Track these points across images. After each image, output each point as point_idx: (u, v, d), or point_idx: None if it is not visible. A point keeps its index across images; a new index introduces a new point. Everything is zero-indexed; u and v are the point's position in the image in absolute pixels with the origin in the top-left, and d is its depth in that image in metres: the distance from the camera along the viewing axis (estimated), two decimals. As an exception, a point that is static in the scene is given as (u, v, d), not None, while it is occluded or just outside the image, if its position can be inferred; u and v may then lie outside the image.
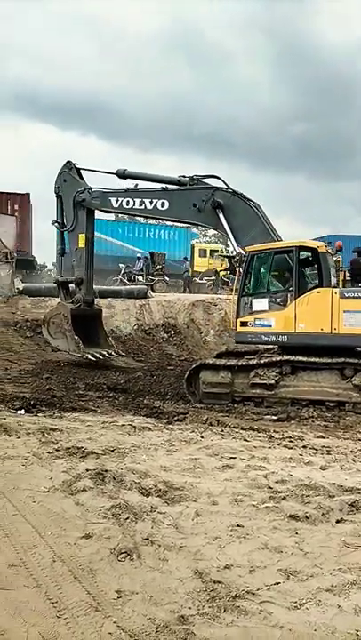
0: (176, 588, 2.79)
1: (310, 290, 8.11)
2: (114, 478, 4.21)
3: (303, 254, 8.34)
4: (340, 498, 4.11)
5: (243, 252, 8.87)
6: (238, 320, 8.51)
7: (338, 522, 3.73)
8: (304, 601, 2.65)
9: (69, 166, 10.76)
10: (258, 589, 2.80)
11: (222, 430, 6.46)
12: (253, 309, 8.38)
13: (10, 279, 14.90)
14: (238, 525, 3.59)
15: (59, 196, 10.78)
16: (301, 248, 8.28)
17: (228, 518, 3.70)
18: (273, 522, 3.68)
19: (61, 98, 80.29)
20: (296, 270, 8.17)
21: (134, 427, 6.17)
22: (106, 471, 4.32)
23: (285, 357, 8.11)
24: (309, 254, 8.37)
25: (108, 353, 10.70)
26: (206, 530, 3.52)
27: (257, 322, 8.32)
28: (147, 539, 3.29)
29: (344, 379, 7.79)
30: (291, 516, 3.76)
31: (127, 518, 3.53)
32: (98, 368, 11.04)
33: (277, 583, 2.87)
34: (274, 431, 6.52)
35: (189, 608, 2.60)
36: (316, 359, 7.87)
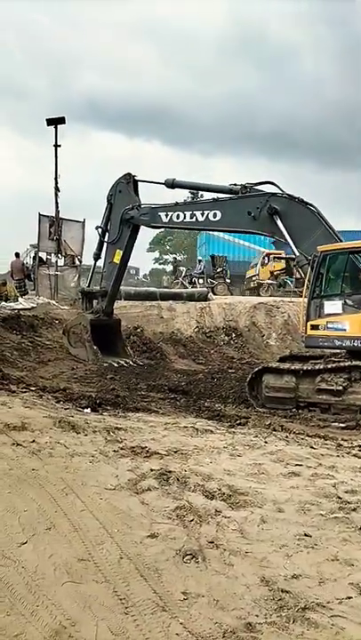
0: (242, 594, 2.74)
1: None
2: (178, 479, 4.21)
3: None
4: None
5: (303, 255, 8.66)
6: (309, 323, 8.17)
7: None
8: (379, 619, 2.50)
9: (127, 179, 10.81)
10: (328, 602, 2.68)
11: (287, 436, 6.29)
12: (326, 312, 8.03)
13: (76, 283, 15.45)
14: (306, 535, 3.46)
15: (110, 204, 10.89)
16: None
17: (295, 527, 3.58)
18: (343, 533, 3.52)
19: (128, 106, 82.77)
20: None
21: (196, 429, 6.16)
22: (170, 472, 4.34)
23: (355, 362, 7.78)
24: None
25: (125, 362, 10.81)
26: (272, 537, 3.43)
27: (329, 325, 7.95)
28: (212, 542, 3.26)
29: None
30: (362, 528, 3.58)
31: (192, 520, 3.52)
32: (159, 370, 11.18)
33: (349, 598, 2.74)
34: (342, 439, 6.26)
35: (256, 616, 2.53)
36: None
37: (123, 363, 10.77)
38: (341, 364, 7.92)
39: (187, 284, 18.82)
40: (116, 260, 10.78)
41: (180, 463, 4.66)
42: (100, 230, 11.12)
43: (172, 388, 9.25)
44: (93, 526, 3.37)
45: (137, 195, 10.81)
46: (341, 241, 8.56)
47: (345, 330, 7.83)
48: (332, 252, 8.26)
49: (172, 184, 10.36)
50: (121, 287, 16.59)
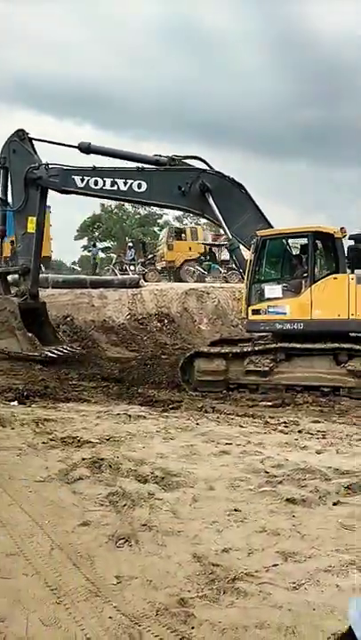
0: (175, 572, 2.79)
1: (326, 276, 7.97)
2: (110, 466, 4.20)
3: (319, 239, 8.09)
4: (336, 481, 4.14)
5: (236, 238, 8.77)
6: (250, 308, 8.28)
7: (335, 504, 3.74)
8: (303, 581, 2.66)
9: (21, 136, 9.34)
10: (256, 571, 2.81)
11: (218, 417, 6.47)
12: (266, 296, 8.18)
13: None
14: (236, 510, 3.59)
15: (3, 168, 9.39)
16: (317, 233, 8.06)
17: (225, 503, 3.71)
18: (270, 505, 3.69)
19: (58, 87, 78.93)
20: (311, 256, 7.99)
21: (129, 415, 6.16)
22: (102, 459, 4.31)
23: (280, 344, 8.12)
24: (325, 240, 8.12)
25: (64, 349, 9.85)
26: (204, 515, 3.53)
27: (270, 309, 8.12)
28: (145, 525, 3.29)
29: (338, 364, 7.82)
30: (288, 499, 3.77)
31: (124, 505, 3.53)
32: (91, 358, 11.00)
33: (276, 565, 2.88)
34: (269, 417, 6.54)
35: (189, 591, 2.60)
36: (310, 345, 7.88)
37: (65, 350, 9.84)
38: (268, 346, 8.26)
39: (117, 271, 18.62)
40: (31, 229, 9.31)
41: (112, 450, 4.64)
42: None
43: (104, 377, 9.17)
44: (22, 520, 3.27)
45: (36, 154, 9.49)
46: (271, 225, 8.79)
47: (285, 313, 8.04)
48: (271, 237, 8.40)
49: (87, 148, 9.17)
50: (49, 275, 16.00)
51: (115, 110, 74.70)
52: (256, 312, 8.24)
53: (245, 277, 8.41)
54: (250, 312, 8.29)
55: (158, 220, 39.04)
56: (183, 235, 22.47)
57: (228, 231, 8.76)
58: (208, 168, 9.00)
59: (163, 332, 13.83)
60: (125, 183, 8.84)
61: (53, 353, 9.49)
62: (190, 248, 22.42)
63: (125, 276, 17.03)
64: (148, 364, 10.78)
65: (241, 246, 8.95)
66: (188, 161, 9.17)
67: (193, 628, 2.27)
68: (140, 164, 9.02)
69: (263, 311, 8.18)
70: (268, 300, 8.15)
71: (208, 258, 23.16)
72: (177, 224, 38.84)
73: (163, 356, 11.73)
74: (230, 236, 8.76)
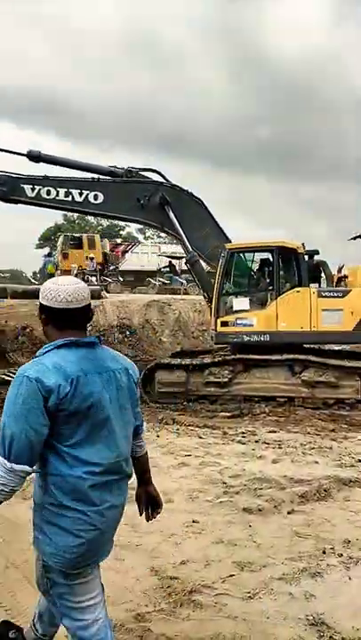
0: (133, 586, 2.80)
1: (290, 289, 8.18)
2: (68, 481, 4.15)
3: (282, 254, 8.26)
4: (290, 490, 4.26)
5: (195, 251, 8.89)
6: (218, 320, 8.32)
7: (289, 513, 3.86)
8: (257, 590, 2.73)
9: None
10: (213, 582, 2.86)
11: (178, 429, 6.51)
12: (234, 309, 8.28)
13: None
14: (194, 521, 3.64)
15: None
16: (281, 248, 8.26)
17: (183, 515, 3.74)
18: (227, 516, 3.76)
19: (19, 96, 77.68)
20: (276, 270, 8.20)
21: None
22: (60, 474, 4.25)
23: (238, 356, 8.28)
24: (288, 254, 8.29)
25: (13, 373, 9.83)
26: (162, 527, 3.54)
27: (238, 321, 8.21)
28: (102, 540, 3.28)
29: (293, 374, 8.06)
30: (244, 509, 3.86)
31: (82, 520, 3.50)
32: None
33: (232, 575, 2.95)
34: (228, 427, 6.64)
35: (146, 606, 2.62)
36: (268, 357, 8.08)
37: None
38: (227, 357, 8.40)
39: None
40: None
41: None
42: None
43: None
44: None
45: None
46: (229, 239, 8.96)
47: (252, 325, 8.18)
48: (238, 250, 8.55)
49: (37, 156, 8.65)
50: (7, 285, 15.65)
51: (77, 122, 74.50)
52: (224, 324, 8.37)
53: (213, 289, 8.51)
54: (218, 324, 8.39)
55: (121, 232, 39.05)
56: (79, 243, 21.57)
57: (187, 244, 8.84)
58: (165, 181, 9.02)
59: (124, 344, 13.78)
60: (81, 194, 8.52)
61: (7, 375, 9.23)
62: (87, 257, 21.41)
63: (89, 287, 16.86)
64: (108, 375, 10.69)
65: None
66: (145, 173, 9.11)
67: (149, 642, 2.29)
68: (95, 175, 8.79)
69: (231, 323, 8.31)
70: (236, 312, 8.31)
71: (169, 269, 23.33)
72: (140, 236, 38.98)
73: (124, 368, 11.68)
74: (190, 249, 8.84)
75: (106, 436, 1.73)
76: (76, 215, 41.09)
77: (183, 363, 8.58)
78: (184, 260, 10.41)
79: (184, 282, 20.44)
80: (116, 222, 41.56)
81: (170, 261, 23.67)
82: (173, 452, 5.28)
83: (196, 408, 8.11)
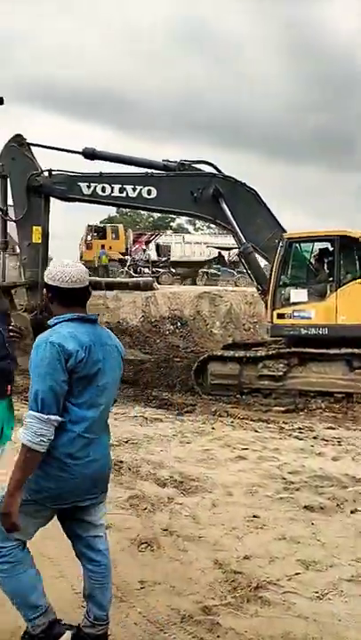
0: (198, 578, 2.81)
1: (351, 281, 7.85)
2: (129, 469, 4.24)
3: (343, 244, 7.91)
4: (353, 488, 4.14)
5: (249, 243, 8.72)
6: (275, 312, 8.12)
7: (352, 512, 3.74)
8: (326, 591, 2.67)
9: (19, 141, 8.66)
10: (278, 580, 2.82)
11: (232, 422, 6.48)
12: (292, 300, 8.05)
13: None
14: (255, 516, 3.61)
15: (2, 176, 8.74)
16: (343, 237, 7.94)
17: (244, 509, 3.72)
18: (289, 512, 3.70)
19: (74, 89, 79.24)
20: (337, 260, 7.90)
21: (146, 418, 6.20)
22: (121, 462, 4.34)
23: (294, 349, 8.10)
24: (349, 244, 7.95)
25: None
26: (223, 521, 3.54)
27: (295, 314, 7.98)
28: (165, 529, 3.32)
29: (351, 370, 7.78)
30: (306, 506, 3.78)
31: (145, 509, 3.56)
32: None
33: (297, 574, 2.89)
34: (283, 422, 6.54)
35: (212, 598, 2.62)
36: (325, 350, 7.85)
37: None
38: (282, 350, 8.24)
39: (133, 273, 18.67)
40: (36, 239, 8.67)
41: (131, 453, 4.68)
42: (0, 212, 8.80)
43: (119, 379, 9.18)
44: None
45: (36, 161, 8.90)
46: (284, 230, 8.75)
47: (310, 318, 7.91)
48: (297, 240, 8.28)
49: (92, 154, 8.70)
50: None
51: (130, 113, 74.94)
52: (281, 316, 8.15)
53: (268, 281, 8.32)
54: (275, 316, 8.18)
55: (171, 223, 39.17)
56: (103, 233, 21.43)
57: (241, 236, 8.70)
58: (218, 173, 8.84)
59: (175, 335, 13.88)
60: (134, 189, 8.52)
61: None
62: (111, 247, 21.37)
63: (140, 279, 17.09)
64: (161, 366, 10.82)
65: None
66: (197, 166, 8.97)
67: (218, 636, 2.29)
68: (148, 170, 8.78)
69: (288, 315, 8.08)
70: (294, 304, 8.07)
71: (217, 261, 23.16)
72: (190, 227, 38.91)
73: (176, 359, 11.76)
74: (243, 241, 8.70)
75: (101, 399, 2.00)
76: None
77: (236, 355, 8.50)
78: (236, 252, 10.21)
79: (235, 273, 20.23)
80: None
81: (219, 252, 23.49)
82: (230, 444, 5.26)
83: (250, 401, 8.03)
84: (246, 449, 5.13)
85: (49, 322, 2.05)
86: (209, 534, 3.33)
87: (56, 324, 2.00)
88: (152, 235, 25.63)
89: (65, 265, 2.04)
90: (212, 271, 21.84)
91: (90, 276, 2.26)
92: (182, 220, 38.97)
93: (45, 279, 2.07)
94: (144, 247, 19.52)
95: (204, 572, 2.88)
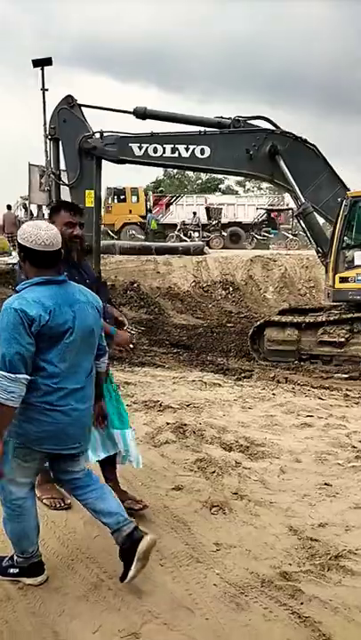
0: (273, 543, 2.74)
1: None
2: (194, 432, 4.20)
3: None
4: None
5: (309, 202, 8.26)
6: (337, 276, 7.76)
7: None
8: None
9: (70, 102, 8.42)
10: (358, 549, 2.70)
11: (293, 388, 6.30)
12: (356, 263, 7.63)
13: None
14: (326, 484, 3.48)
15: (54, 139, 8.56)
16: None
17: (314, 477, 3.60)
18: (362, 481, 3.54)
19: (120, 50, 77.24)
20: None
21: (204, 382, 6.14)
22: (185, 425, 4.31)
23: (357, 314, 7.74)
24: None
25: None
26: (294, 487, 3.44)
27: (359, 277, 7.60)
28: (236, 493, 3.26)
29: None
30: (380, 476, 3.61)
31: (213, 472, 3.51)
32: (158, 325, 11.09)
33: (378, 544, 2.76)
34: (347, 390, 6.29)
35: (290, 564, 2.54)
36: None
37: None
38: (343, 315, 7.88)
39: (183, 237, 18.43)
40: (89, 203, 8.47)
41: (193, 416, 4.63)
42: (52, 176, 8.70)
43: (173, 343, 9.20)
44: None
45: (88, 122, 8.60)
46: (347, 188, 8.21)
47: None
48: None
49: (143, 113, 8.42)
50: (115, 242, 16.08)
51: (178, 71, 72.34)
52: (344, 280, 7.73)
53: (328, 243, 7.90)
54: (337, 280, 7.76)
55: (220, 186, 38.18)
56: (123, 196, 20.77)
57: (300, 195, 8.22)
58: (275, 128, 8.31)
59: (227, 300, 13.68)
60: (187, 149, 8.18)
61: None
62: (130, 210, 20.76)
63: (190, 243, 16.85)
64: (214, 331, 10.72)
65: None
66: (253, 122, 8.43)
67: (302, 603, 2.22)
68: (201, 128, 8.38)
69: (352, 279, 7.66)
70: (358, 267, 7.62)
71: (267, 223, 22.35)
72: (240, 189, 37.78)
73: (228, 325, 11.62)
74: (303, 201, 8.22)
75: (74, 355, 2.14)
76: (175, 170, 40.85)
77: (295, 320, 8.23)
78: (294, 212, 9.69)
79: (289, 235, 19.48)
80: (214, 176, 40.75)
81: (268, 214, 22.63)
82: (293, 411, 5.11)
83: (309, 368, 7.80)
84: (311, 416, 4.97)
85: (17, 287, 2.18)
86: (280, 500, 3.24)
87: (23, 288, 2.11)
88: (173, 197, 24.51)
89: (38, 227, 2.11)
90: (262, 234, 21.19)
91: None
92: (231, 182, 37.96)
93: (18, 238, 2.14)
94: (194, 211, 19.10)
95: (278, 537, 2.81)
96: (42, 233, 2.08)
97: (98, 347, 2.32)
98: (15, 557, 2.34)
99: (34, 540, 2.31)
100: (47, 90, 13.69)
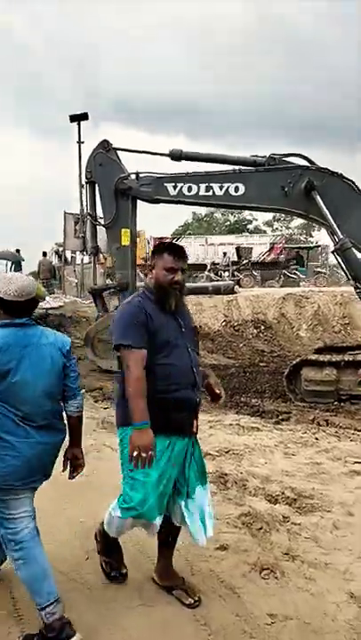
0: (334, 614, 2.45)
1: None
2: (235, 482, 3.94)
3: None
4: None
5: (346, 238, 8.11)
6: None
7: None
8: None
9: (106, 146, 8.73)
10: None
11: (336, 432, 5.96)
12: None
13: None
14: (385, 542, 3.15)
15: (90, 183, 8.91)
16: None
17: (370, 532, 3.27)
18: None
19: (151, 103, 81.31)
20: None
21: (242, 426, 5.87)
22: (226, 474, 4.06)
23: None
24: None
25: None
26: (349, 544, 3.13)
27: None
28: (287, 553, 2.97)
29: None
30: None
31: (260, 529, 3.24)
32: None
33: None
34: (395, 433, 5.90)
35: (356, 641, 2.24)
36: None
37: None
38: (386, 353, 7.54)
39: (213, 277, 18.46)
40: (125, 241, 8.79)
41: (234, 464, 4.37)
42: (89, 218, 9.04)
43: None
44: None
45: (123, 164, 8.89)
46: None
47: None
48: None
49: (179, 156, 8.53)
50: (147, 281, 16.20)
51: (207, 121, 74.92)
52: None
53: None
54: None
55: (248, 226, 38.60)
56: None
57: (337, 230, 8.08)
58: (311, 165, 8.23)
59: (259, 339, 13.41)
60: (221, 187, 8.28)
61: None
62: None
63: (220, 282, 16.83)
64: (247, 371, 10.43)
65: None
66: (289, 159, 8.38)
67: None
68: (236, 167, 8.44)
69: None
70: None
71: (296, 262, 22.27)
72: (268, 229, 38.03)
73: (261, 364, 11.31)
74: (341, 236, 8.07)
75: (26, 393, 2.23)
76: (203, 213, 41.63)
77: (333, 359, 7.92)
78: (331, 249, 9.52)
79: (325, 272, 19.20)
80: (243, 217, 41.31)
81: (297, 252, 22.56)
82: (340, 457, 4.78)
83: (350, 409, 7.41)
84: (360, 462, 4.63)
85: None
86: (336, 560, 2.94)
87: None
88: (173, 239, 24.55)
89: (9, 278, 2.31)
90: (288, 273, 21.06)
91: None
92: (259, 223, 38.30)
93: None
94: (225, 251, 19.24)
95: (339, 606, 2.51)
96: (12, 286, 2.26)
97: (66, 389, 2.38)
98: (43, 618, 2.20)
99: (51, 578, 2.26)
100: (83, 142, 14.25)
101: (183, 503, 2.47)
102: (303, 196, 8.08)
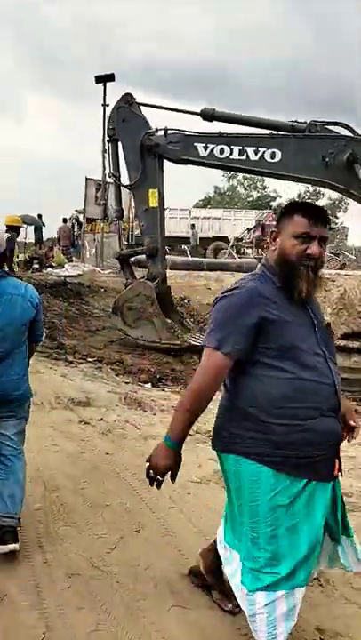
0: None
1: None
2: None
3: None
4: None
5: None
6: None
7: None
8: None
9: (129, 100, 8.03)
10: None
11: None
12: None
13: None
14: None
15: (114, 141, 8.24)
16: None
17: None
18: None
19: (177, 70, 78.99)
20: None
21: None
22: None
23: None
24: None
25: (199, 338, 8.49)
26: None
27: None
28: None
29: None
30: None
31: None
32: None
33: None
34: None
35: None
36: None
37: (200, 339, 8.55)
38: None
39: (235, 254, 18.03)
40: (153, 203, 8.04)
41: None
42: (114, 177, 8.37)
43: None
44: (186, 529, 2.89)
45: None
46: None
47: None
48: None
49: (211, 115, 7.88)
50: (167, 257, 15.78)
51: (233, 91, 72.52)
52: None
53: None
54: None
55: (271, 203, 37.64)
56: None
57: None
58: (356, 136, 7.55)
59: (281, 320, 13.07)
60: (256, 152, 7.60)
61: (194, 341, 8.28)
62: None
63: (242, 260, 16.38)
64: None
65: None
66: (331, 127, 7.69)
67: None
68: (273, 131, 7.77)
69: None
70: None
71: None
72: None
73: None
74: None
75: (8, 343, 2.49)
76: (225, 187, 40.60)
77: (362, 346, 7.59)
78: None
79: (351, 256, 18.63)
80: (267, 193, 40.23)
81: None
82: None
83: (379, 398, 7.11)
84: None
85: None
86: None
87: None
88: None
89: None
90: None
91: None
92: (283, 201, 37.29)
93: None
94: (248, 227, 18.67)
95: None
96: None
97: (33, 335, 2.65)
98: None
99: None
100: (108, 105, 13.53)
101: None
102: (345, 169, 7.49)
